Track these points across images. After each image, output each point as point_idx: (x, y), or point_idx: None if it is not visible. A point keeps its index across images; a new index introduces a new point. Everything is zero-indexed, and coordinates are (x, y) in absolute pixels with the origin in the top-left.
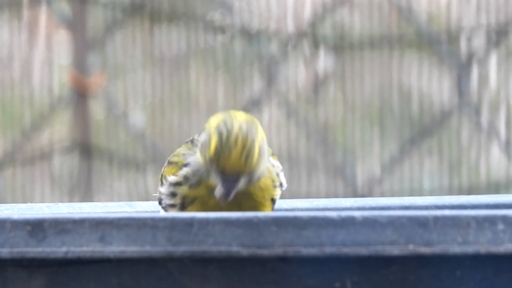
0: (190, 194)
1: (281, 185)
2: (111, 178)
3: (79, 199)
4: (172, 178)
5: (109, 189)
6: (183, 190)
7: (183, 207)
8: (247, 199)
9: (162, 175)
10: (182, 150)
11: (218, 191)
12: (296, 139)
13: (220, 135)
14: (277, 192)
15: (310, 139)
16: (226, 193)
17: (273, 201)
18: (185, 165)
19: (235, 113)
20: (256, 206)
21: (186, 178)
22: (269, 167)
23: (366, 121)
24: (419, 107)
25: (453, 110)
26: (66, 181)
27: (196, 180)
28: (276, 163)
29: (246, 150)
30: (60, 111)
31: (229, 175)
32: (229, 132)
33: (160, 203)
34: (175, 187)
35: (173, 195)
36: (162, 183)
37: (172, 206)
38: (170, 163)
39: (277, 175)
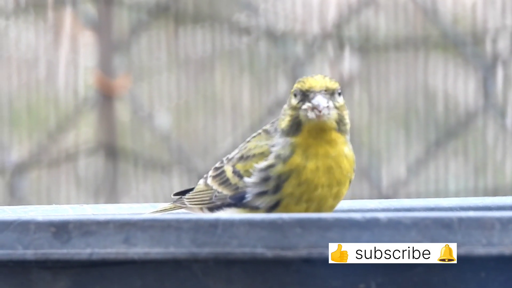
0: (285, 169)
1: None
2: (136, 180)
3: (104, 201)
4: (262, 164)
5: (134, 191)
6: (277, 169)
7: (277, 189)
8: (338, 167)
9: (238, 172)
10: (256, 143)
11: (310, 110)
12: None
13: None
14: (353, 177)
15: None
16: (317, 106)
17: (350, 183)
18: (272, 146)
19: None
20: (341, 182)
21: (277, 156)
22: (350, 148)
23: (391, 123)
24: (444, 109)
25: (478, 112)
26: (91, 182)
27: (289, 151)
28: None
29: (328, 78)
30: (85, 113)
31: (317, 91)
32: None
33: (215, 201)
34: (267, 170)
35: (265, 180)
36: (240, 177)
37: (262, 194)
38: (247, 157)
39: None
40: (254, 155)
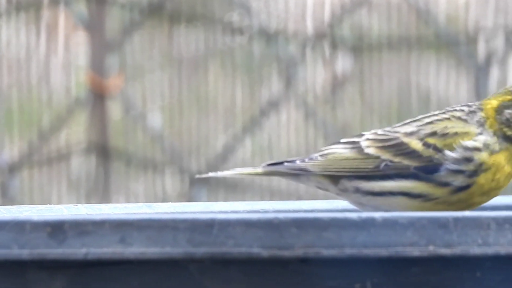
0: (489, 161)
1: None
2: (128, 179)
3: (96, 201)
4: (469, 143)
5: (126, 190)
6: (481, 156)
7: (474, 174)
8: None
9: (433, 145)
10: (452, 124)
11: None
12: (314, 140)
13: None
14: None
15: (328, 140)
16: None
17: None
18: (480, 133)
19: None
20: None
21: (486, 145)
22: None
23: (384, 123)
24: (437, 109)
25: None
26: (83, 182)
27: (498, 148)
28: None
29: None
30: (77, 113)
31: None
32: None
33: (384, 170)
34: (472, 151)
35: (467, 160)
36: (437, 151)
37: (458, 172)
38: (444, 134)
39: None
40: (456, 133)
